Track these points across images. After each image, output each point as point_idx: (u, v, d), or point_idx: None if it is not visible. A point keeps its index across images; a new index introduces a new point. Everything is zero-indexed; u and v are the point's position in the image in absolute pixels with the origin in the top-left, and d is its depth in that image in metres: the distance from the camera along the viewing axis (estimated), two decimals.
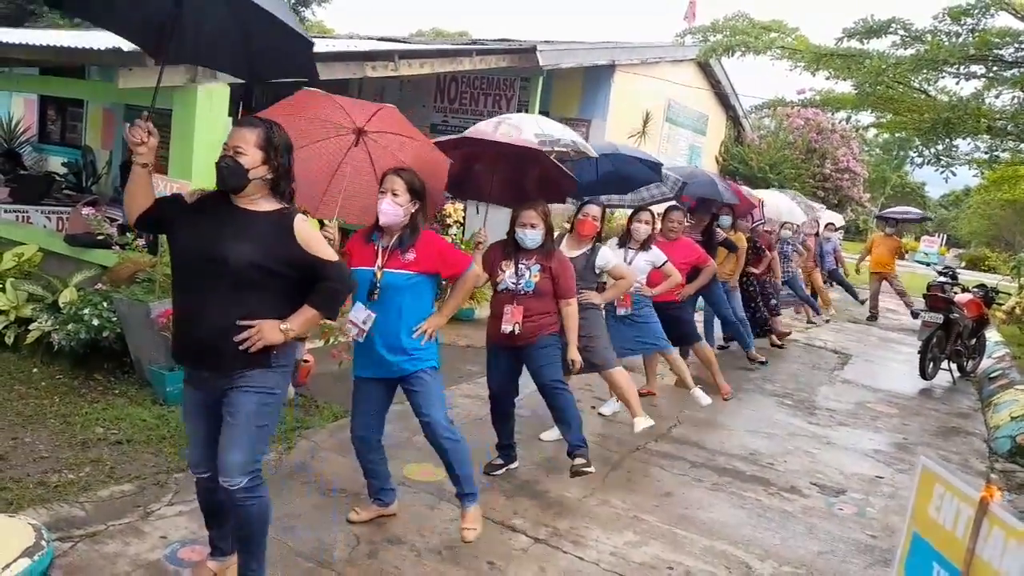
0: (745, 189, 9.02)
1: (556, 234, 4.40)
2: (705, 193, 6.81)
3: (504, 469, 4.25)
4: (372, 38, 11.96)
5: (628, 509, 3.99)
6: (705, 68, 12.54)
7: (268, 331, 2.50)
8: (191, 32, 2.74)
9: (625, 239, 5.33)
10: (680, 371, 5.68)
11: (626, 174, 5.57)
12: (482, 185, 4.29)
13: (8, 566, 2.69)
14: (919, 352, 7.78)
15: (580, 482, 4.23)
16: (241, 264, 2.45)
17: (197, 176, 5.07)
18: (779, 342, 8.72)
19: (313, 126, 3.39)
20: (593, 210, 4.58)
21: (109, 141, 11.24)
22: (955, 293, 8.46)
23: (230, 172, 2.49)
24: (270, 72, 3.11)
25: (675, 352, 5.71)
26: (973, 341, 8.41)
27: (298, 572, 3.01)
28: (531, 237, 3.93)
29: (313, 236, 2.58)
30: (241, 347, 2.47)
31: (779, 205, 9.29)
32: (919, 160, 7.46)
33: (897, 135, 8.06)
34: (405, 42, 10.86)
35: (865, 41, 6.67)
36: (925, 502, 1.46)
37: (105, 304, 4.91)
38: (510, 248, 4.02)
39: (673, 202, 6.27)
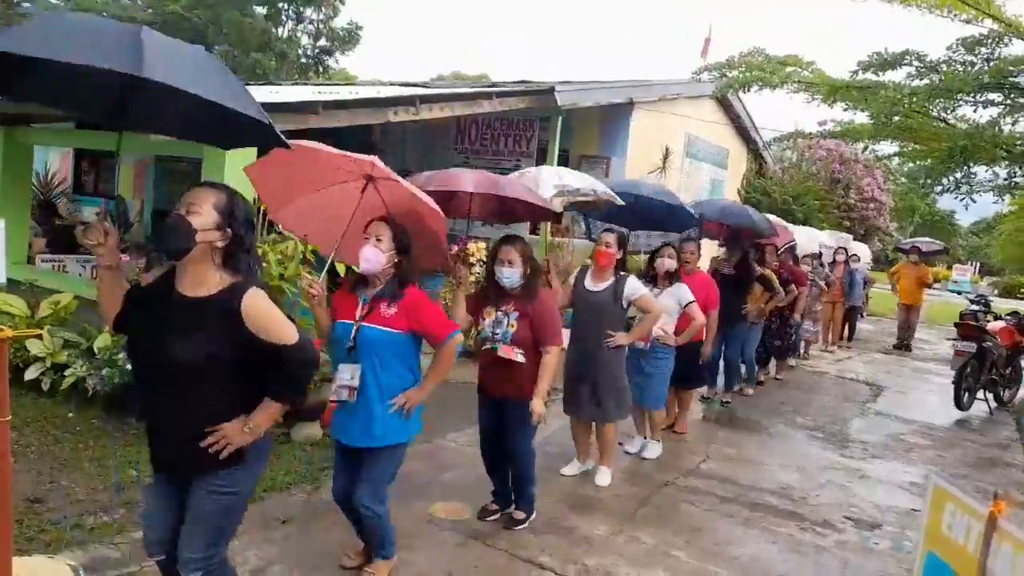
0: (776, 219, 9.01)
1: (615, 275, 4.45)
2: (740, 223, 6.80)
3: (499, 515, 4.03)
4: (394, 83, 12.30)
5: (658, 545, 3.95)
6: (724, 103, 12.65)
7: (233, 435, 2.27)
8: (146, 104, 2.54)
9: (648, 275, 5.17)
10: (653, 425, 5.34)
11: (654, 217, 5.76)
12: (464, 205, 4.51)
13: None
14: (953, 382, 7.63)
15: (608, 518, 4.20)
16: (190, 363, 2.19)
17: None
18: (779, 377, 8.51)
19: (317, 169, 3.24)
20: (608, 237, 4.43)
21: (141, 191, 11.62)
22: (988, 321, 8.33)
23: (173, 229, 2.17)
24: (237, 141, 2.89)
25: (661, 414, 5.40)
26: (1008, 370, 8.23)
27: None
28: (507, 276, 3.68)
29: (265, 317, 2.23)
30: (210, 450, 2.27)
31: (801, 238, 9.27)
32: (938, 188, 7.43)
33: (920, 163, 8.04)
34: (426, 87, 11.15)
35: (880, 73, 6.73)
36: (938, 520, 1.46)
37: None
38: (492, 292, 3.79)
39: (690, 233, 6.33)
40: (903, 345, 12.00)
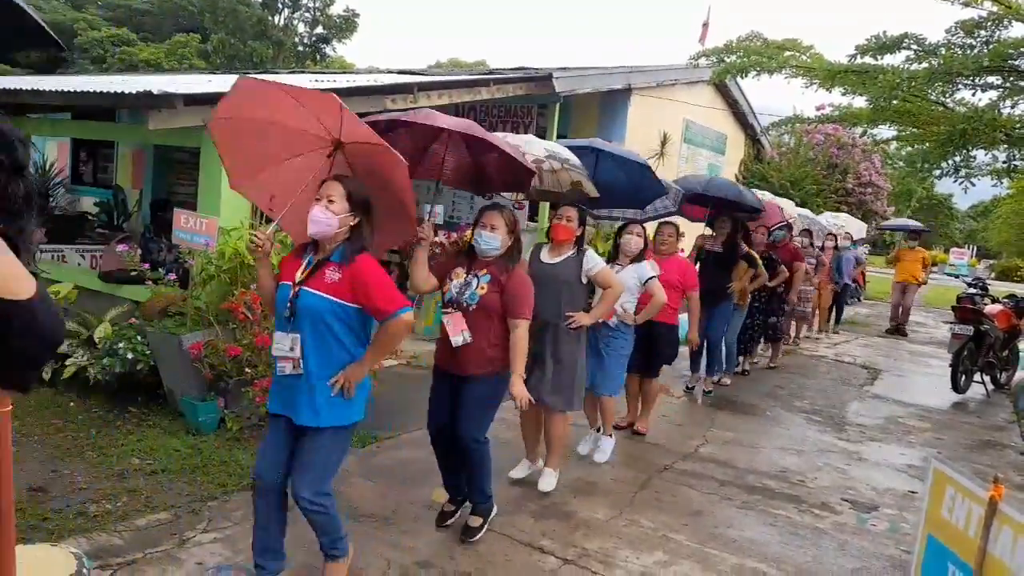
0: (767, 195, 8.94)
1: (575, 249, 4.12)
2: (727, 195, 6.58)
3: (457, 515, 3.75)
4: (392, 71, 12.23)
5: (657, 528, 3.98)
6: (722, 88, 12.60)
7: None
8: None
9: (614, 257, 4.81)
10: (606, 417, 4.90)
11: (635, 183, 5.22)
12: (443, 165, 3.91)
13: None
14: (950, 365, 7.67)
15: (608, 502, 4.23)
16: None
17: (225, 211, 5.21)
18: (774, 364, 8.47)
19: (286, 135, 2.94)
20: (568, 211, 4.08)
21: (139, 181, 11.57)
22: (985, 304, 8.35)
23: None
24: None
25: (614, 400, 4.91)
26: (1005, 353, 8.27)
27: None
28: (487, 241, 3.43)
29: None
30: None
31: (794, 213, 9.19)
32: (937, 172, 7.41)
33: (918, 147, 8.01)
34: (423, 74, 11.09)
35: (879, 57, 6.70)
36: (938, 504, 1.48)
37: (139, 338, 5.05)
38: (465, 256, 3.57)
39: (672, 216, 6.02)
40: (897, 329, 12.01)
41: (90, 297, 6.07)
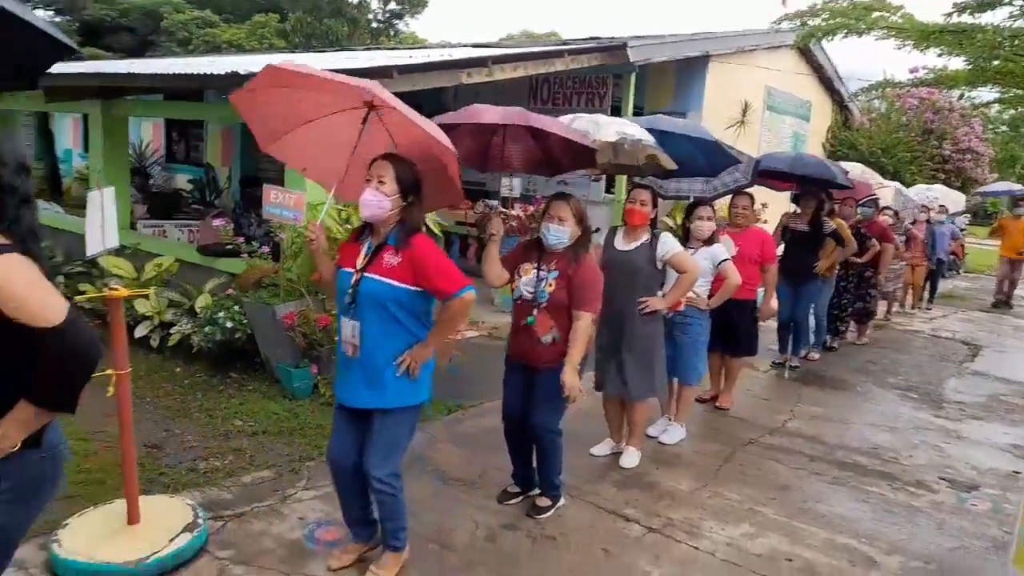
0: (856, 169, 8.54)
1: (650, 233, 4.04)
2: (814, 173, 6.31)
3: (521, 498, 3.73)
4: (465, 45, 12.26)
5: (742, 501, 3.94)
6: (805, 53, 12.05)
7: None
8: None
9: (684, 239, 4.59)
10: (682, 406, 4.79)
11: (709, 159, 5.06)
12: (512, 155, 3.89)
13: (173, 539, 3.00)
14: None
15: (691, 474, 4.22)
16: None
17: (311, 187, 5.38)
18: (860, 342, 8.08)
19: (315, 96, 2.89)
20: (641, 195, 3.99)
21: (228, 159, 12.07)
22: None
23: None
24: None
25: (694, 391, 4.86)
26: None
27: (425, 554, 3.17)
28: (554, 234, 3.37)
29: (12, 289, 1.64)
30: None
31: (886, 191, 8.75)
32: None
33: (1022, 110, 7.49)
34: (497, 47, 11.07)
35: (977, 15, 6.27)
36: None
37: (237, 308, 5.31)
38: (535, 249, 3.49)
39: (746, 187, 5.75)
40: (1003, 302, 11.36)
41: (190, 269, 6.42)
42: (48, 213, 8.67)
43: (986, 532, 3.80)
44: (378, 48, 13.59)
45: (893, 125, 14.89)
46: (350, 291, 2.72)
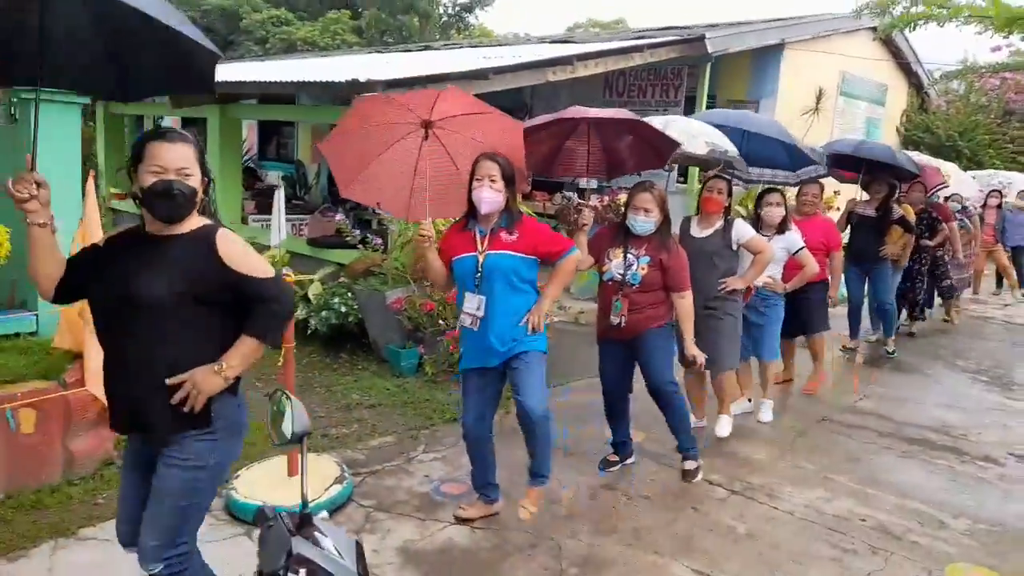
0: (921, 157, 8.57)
1: (723, 220, 4.32)
2: (880, 156, 6.41)
3: (619, 465, 4.14)
4: (538, 40, 12.61)
5: (817, 470, 4.31)
6: (884, 38, 11.97)
7: (204, 380, 2.10)
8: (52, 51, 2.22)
9: (756, 225, 4.77)
10: (765, 381, 5.11)
11: (765, 154, 5.30)
12: (575, 160, 4.14)
13: (327, 488, 3.58)
14: None
15: (768, 446, 4.60)
16: (156, 298, 2.06)
17: None
18: (948, 318, 8.23)
19: (381, 131, 3.34)
20: (718, 184, 4.31)
21: (317, 155, 12.82)
22: None
23: (186, 200, 2.11)
24: (145, 90, 2.66)
25: (778, 365, 5.24)
26: None
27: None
28: (642, 224, 3.72)
29: (240, 251, 2.15)
30: (183, 408, 2.10)
31: (954, 176, 8.71)
32: None
33: None
34: (571, 41, 11.42)
35: None
36: None
37: (348, 294, 5.93)
38: (621, 234, 3.84)
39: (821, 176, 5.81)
40: None
41: (299, 260, 7.09)
42: None
43: None
44: (460, 46, 14.06)
45: (972, 107, 14.55)
46: (478, 270, 3.19)
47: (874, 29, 10.97)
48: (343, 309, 5.83)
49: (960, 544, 3.55)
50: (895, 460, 4.54)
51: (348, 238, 6.11)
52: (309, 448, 3.94)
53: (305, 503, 1.94)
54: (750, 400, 5.18)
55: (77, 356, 3.75)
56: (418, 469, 4.05)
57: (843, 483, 4.15)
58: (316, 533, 1.83)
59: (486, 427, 3.43)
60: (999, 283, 10.68)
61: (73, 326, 3.75)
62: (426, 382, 5.41)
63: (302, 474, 1.97)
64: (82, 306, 3.57)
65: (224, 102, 7.81)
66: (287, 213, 9.72)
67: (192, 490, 2.19)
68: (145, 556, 2.17)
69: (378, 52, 15.10)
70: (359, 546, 1.91)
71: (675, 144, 4.14)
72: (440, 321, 5.51)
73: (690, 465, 4.07)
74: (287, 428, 2.00)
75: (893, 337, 7.06)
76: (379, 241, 6.13)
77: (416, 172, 3.39)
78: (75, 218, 3.91)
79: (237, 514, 3.44)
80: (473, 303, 3.22)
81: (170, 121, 13.40)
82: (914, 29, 7.14)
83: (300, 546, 1.76)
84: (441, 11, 25.97)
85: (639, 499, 3.85)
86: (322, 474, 3.69)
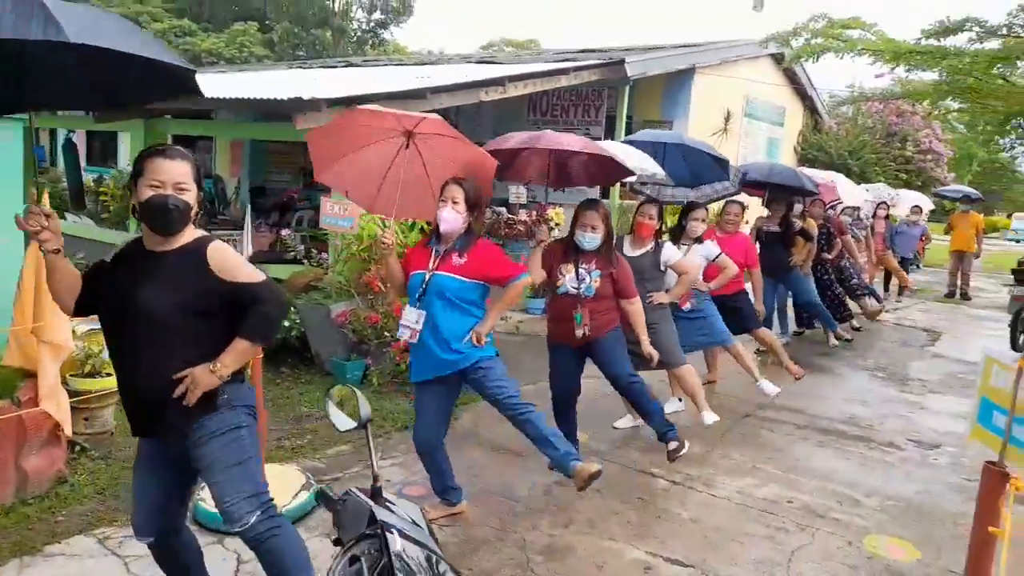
0: (817, 173, 9.42)
1: (654, 242, 4.72)
2: (788, 180, 7.23)
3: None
4: (455, 59, 12.86)
5: (746, 461, 4.71)
6: (781, 61, 12.97)
7: (200, 376, 2.27)
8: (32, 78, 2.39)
9: (677, 236, 5.30)
10: (746, 364, 5.64)
11: (695, 171, 5.80)
12: (528, 169, 4.44)
13: (295, 496, 3.67)
14: (1009, 325, 8.13)
15: (701, 441, 4.97)
16: (158, 312, 2.23)
17: None
18: (856, 326, 8.97)
19: (364, 132, 3.56)
20: (650, 210, 4.70)
21: (236, 170, 12.60)
22: None
23: (181, 214, 2.25)
24: (136, 96, 2.82)
25: (738, 345, 5.67)
26: None
27: (492, 503, 3.89)
28: (590, 240, 4.02)
29: (230, 261, 2.31)
30: (183, 402, 2.27)
31: (845, 187, 9.64)
32: (1001, 140, 7.86)
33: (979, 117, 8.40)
34: (495, 62, 11.76)
35: (942, 39, 7.15)
36: (988, 377, 2.37)
37: (290, 309, 5.95)
38: (570, 250, 4.11)
39: (734, 196, 6.53)
40: (953, 293, 12.34)
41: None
42: (78, 224, 9.20)
43: (947, 479, 4.61)
44: (376, 62, 14.16)
45: (859, 128, 15.90)
46: (422, 287, 3.39)
47: (774, 56, 11.89)
48: (285, 324, 5.86)
49: (874, 518, 4.00)
50: (813, 449, 5.02)
51: (292, 253, 6.15)
52: (268, 459, 4.01)
53: (375, 477, 2.18)
54: (680, 400, 5.59)
55: (29, 374, 3.68)
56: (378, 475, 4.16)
57: (770, 471, 4.57)
58: (387, 503, 2.07)
59: (437, 437, 3.59)
60: (886, 288, 11.75)
61: (24, 344, 3.68)
62: (373, 392, 5.51)
63: (370, 453, 2.24)
64: (36, 324, 3.54)
65: (150, 116, 7.67)
66: (208, 229, 9.58)
67: (237, 448, 2.34)
68: (236, 516, 2.29)
69: (301, 68, 14.96)
70: (424, 511, 2.16)
71: (630, 173, 4.51)
72: (386, 333, 5.63)
73: (672, 445, 4.28)
74: (364, 411, 2.24)
75: (836, 331, 7.85)
76: (325, 256, 6.20)
77: (389, 172, 3.60)
78: (19, 238, 3.85)
79: (205, 523, 3.46)
80: (412, 316, 3.40)
81: (77, 136, 12.85)
82: (817, 60, 7.91)
83: (381, 513, 1.98)
84: (356, 26, 25.92)
85: (591, 492, 4.08)
86: (288, 482, 3.76)
